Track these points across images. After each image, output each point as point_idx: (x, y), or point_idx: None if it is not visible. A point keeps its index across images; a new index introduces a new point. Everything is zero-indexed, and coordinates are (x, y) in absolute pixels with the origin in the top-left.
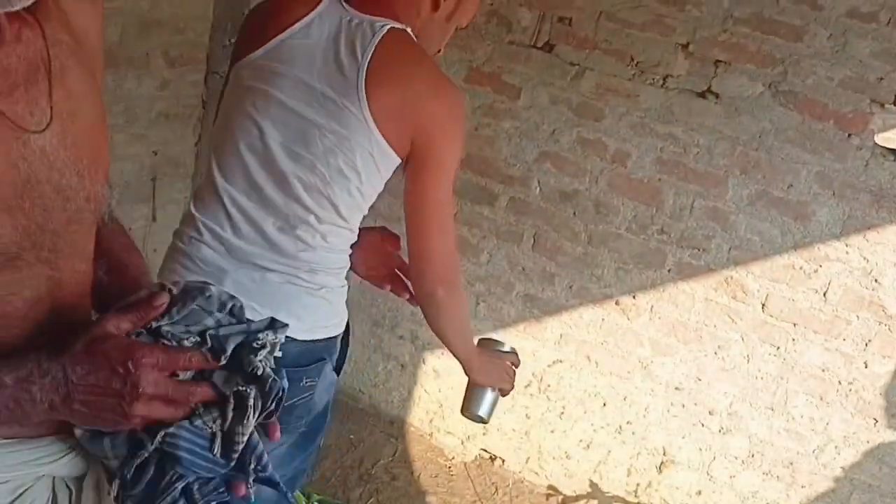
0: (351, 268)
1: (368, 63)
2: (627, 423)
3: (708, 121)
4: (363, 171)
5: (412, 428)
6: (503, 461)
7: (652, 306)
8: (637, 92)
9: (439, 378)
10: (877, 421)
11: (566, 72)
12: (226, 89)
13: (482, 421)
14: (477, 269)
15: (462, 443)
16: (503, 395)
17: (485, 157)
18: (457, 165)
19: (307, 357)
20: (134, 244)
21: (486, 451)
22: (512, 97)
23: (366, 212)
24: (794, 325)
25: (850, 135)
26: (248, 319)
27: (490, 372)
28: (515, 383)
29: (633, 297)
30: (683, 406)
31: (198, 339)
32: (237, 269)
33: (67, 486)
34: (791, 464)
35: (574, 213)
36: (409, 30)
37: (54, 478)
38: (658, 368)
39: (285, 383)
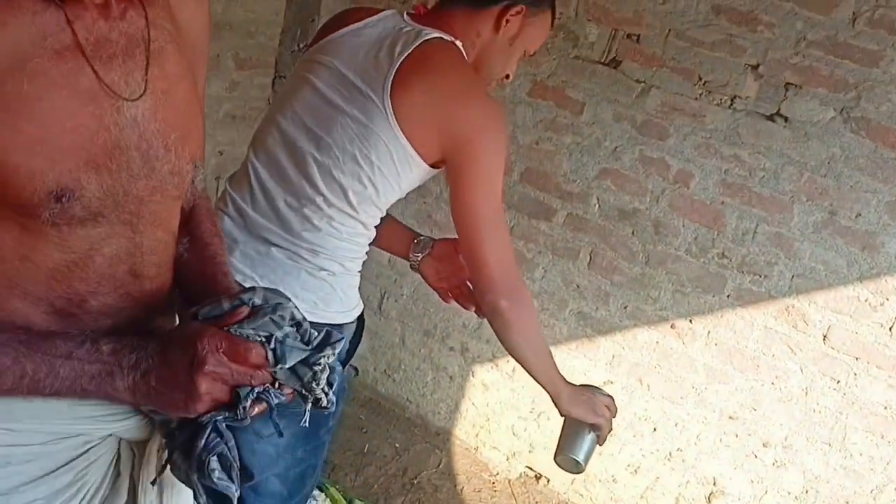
0: (423, 276)
1: (402, 62)
2: (678, 449)
3: (775, 144)
4: (378, 162)
5: (458, 440)
6: (548, 480)
7: (709, 332)
8: (703, 112)
9: (487, 392)
10: None
11: (631, 88)
12: None
13: (577, 467)
14: (531, 284)
15: (507, 459)
16: (600, 443)
17: (544, 171)
18: (499, 176)
19: None
20: (218, 230)
21: (531, 468)
22: (575, 112)
23: (382, 209)
24: (857, 358)
25: None
26: (309, 339)
27: (583, 403)
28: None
29: (690, 321)
30: (737, 436)
31: (263, 339)
32: (247, 240)
33: (132, 449)
34: (847, 503)
35: (633, 233)
36: (458, 43)
37: (120, 439)
38: (712, 396)
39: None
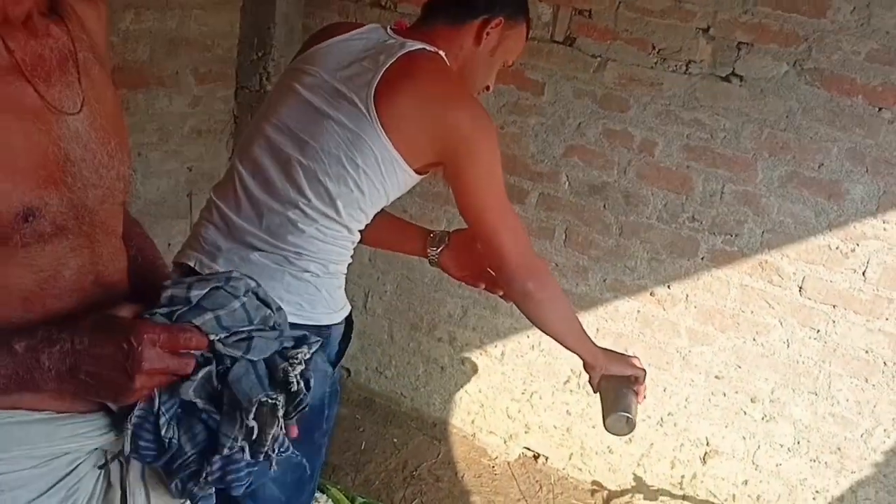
0: (444, 269)
1: (386, 70)
2: (669, 414)
3: (733, 104)
4: (363, 166)
5: (454, 429)
6: (546, 459)
7: (687, 295)
8: (660, 80)
9: (479, 378)
10: None
11: (588, 64)
12: None
13: (629, 425)
14: None
15: (505, 442)
16: (640, 400)
17: (512, 154)
18: (499, 169)
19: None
20: (146, 234)
21: (529, 449)
22: (536, 93)
23: (368, 214)
24: (834, 306)
25: (880, 108)
26: (277, 324)
27: (619, 360)
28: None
29: (668, 286)
30: (724, 395)
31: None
32: (231, 247)
33: (119, 460)
34: (839, 449)
35: (604, 206)
36: (441, 53)
37: (106, 451)
38: (696, 358)
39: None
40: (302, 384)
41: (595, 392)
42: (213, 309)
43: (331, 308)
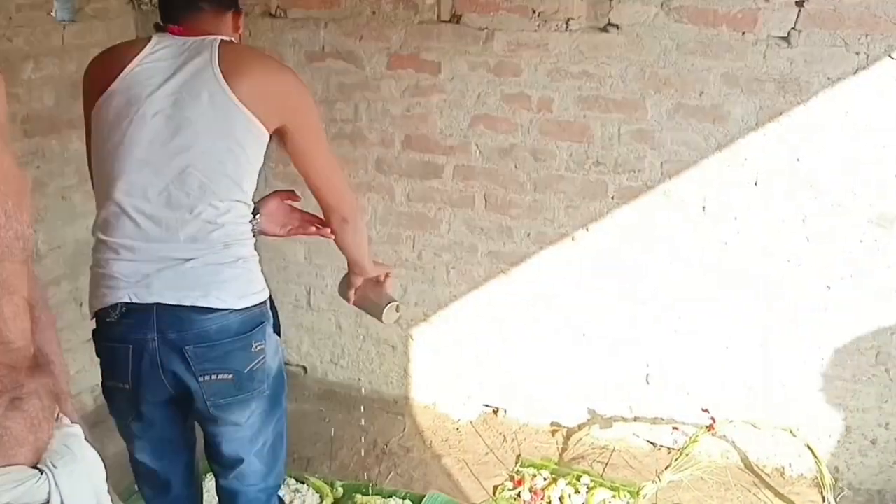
0: (267, 234)
1: (218, 61)
2: (611, 346)
3: (615, 52)
4: (245, 144)
5: (415, 402)
6: (505, 411)
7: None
8: (545, 41)
9: (429, 349)
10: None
11: (477, 38)
12: (91, 129)
13: (399, 309)
14: (440, 239)
15: (464, 404)
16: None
17: (422, 134)
18: (322, 127)
19: (249, 323)
20: (55, 338)
21: (487, 405)
22: (434, 73)
23: (255, 183)
24: (735, 218)
25: (743, 33)
26: None
27: (377, 265)
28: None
29: (587, 229)
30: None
31: None
32: (159, 268)
33: None
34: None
35: (515, 166)
36: (233, 39)
37: None
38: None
39: None
40: None
41: (352, 303)
42: None
43: (263, 283)
